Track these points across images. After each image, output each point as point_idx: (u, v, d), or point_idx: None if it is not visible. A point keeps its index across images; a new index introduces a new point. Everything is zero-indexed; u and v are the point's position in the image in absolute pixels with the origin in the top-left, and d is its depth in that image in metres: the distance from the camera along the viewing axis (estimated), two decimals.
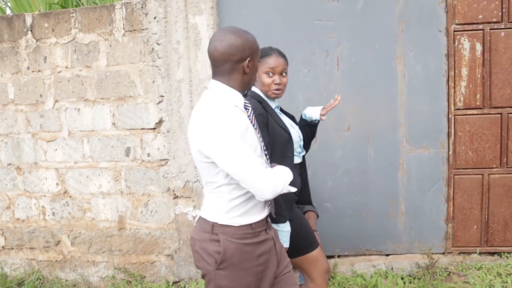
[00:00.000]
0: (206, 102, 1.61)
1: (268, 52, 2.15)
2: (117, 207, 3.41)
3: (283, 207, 1.92)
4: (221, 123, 1.51)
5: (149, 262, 3.43)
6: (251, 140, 1.59)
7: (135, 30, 3.25)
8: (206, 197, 1.70)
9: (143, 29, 3.23)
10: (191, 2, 3.14)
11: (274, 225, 1.89)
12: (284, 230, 1.95)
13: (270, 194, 1.52)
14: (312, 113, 2.37)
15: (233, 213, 1.62)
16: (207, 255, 1.62)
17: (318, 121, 2.37)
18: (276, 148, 2.01)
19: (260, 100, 2.09)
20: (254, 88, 2.14)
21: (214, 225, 1.62)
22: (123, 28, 3.26)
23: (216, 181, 1.61)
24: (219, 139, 1.50)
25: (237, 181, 1.54)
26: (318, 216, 2.87)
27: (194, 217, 3.29)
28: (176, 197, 3.30)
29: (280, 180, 1.54)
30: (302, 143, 2.29)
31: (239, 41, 1.59)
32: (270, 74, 2.11)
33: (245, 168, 1.49)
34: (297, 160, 2.24)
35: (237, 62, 1.60)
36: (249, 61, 1.62)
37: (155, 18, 3.18)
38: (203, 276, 1.68)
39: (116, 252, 3.44)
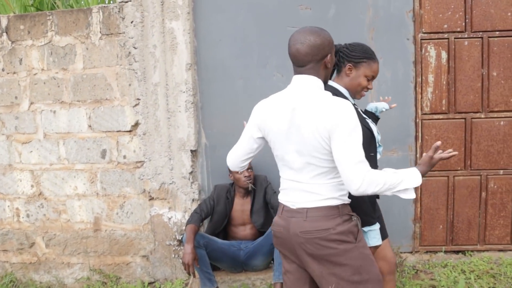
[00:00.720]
0: (316, 94, 1.66)
1: (373, 57, 2.09)
2: (93, 208, 3.43)
3: (370, 209, 1.94)
4: (351, 111, 1.59)
5: (124, 263, 3.45)
6: None
7: (112, 33, 3.29)
8: (321, 188, 1.69)
9: (120, 33, 3.28)
10: (168, 7, 3.21)
11: (363, 229, 1.91)
12: (375, 229, 1.97)
13: (357, 191, 1.57)
14: (378, 105, 2.51)
15: (347, 191, 1.72)
16: (346, 235, 1.67)
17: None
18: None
19: (345, 97, 2.05)
20: (333, 84, 2.06)
21: (340, 207, 1.70)
22: (100, 32, 3.29)
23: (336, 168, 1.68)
24: (348, 125, 1.57)
25: (338, 165, 1.60)
26: None
27: (169, 218, 3.33)
28: (151, 198, 3.34)
29: (379, 182, 1.58)
30: (379, 138, 2.21)
31: (319, 40, 1.67)
32: (369, 79, 2.07)
33: (355, 158, 1.56)
34: (377, 156, 2.20)
35: (319, 60, 1.70)
36: (329, 56, 1.72)
37: (132, 22, 3.23)
38: (343, 264, 1.67)
39: (91, 253, 3.46)
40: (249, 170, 3.10)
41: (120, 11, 3.25)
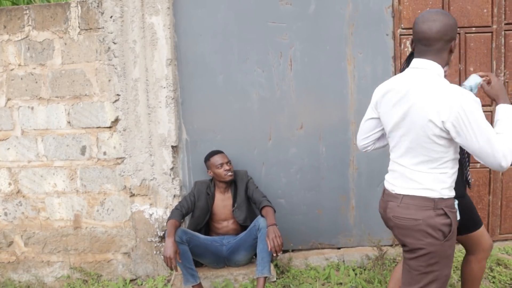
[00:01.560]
0: (433, 80, 1.65)
1: None
2: (73, 206, 3.38)
3: (460, 184, 2.01)
4: (473, 101, 1.58)
5: (105, 260, 3.42)
6: None
7: (91, 28, 3.25)
8: (421, 176, 1.70)
9: (99, 28, 3.24)
10: (148, 2, 3.18)
11: None
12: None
13: (506, 163, 1.59)
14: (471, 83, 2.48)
15: (452, 186, 1.73)
16: (435, 230, 1.67)
17: None
18: None
19: None
20: None
21: (437, 200, 1.68)
22: (79, 27, 3.25)
23: (445, 156, 1.67)
24: (473, 116, 1.56)
25: (475, 154, 1.60)
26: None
27: (150, 215, 3.31)
28: (132, 195, 3.32)
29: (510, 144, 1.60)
30: None
31: (452, 21, 1.68)
32: None
33: (489, 142, 1.56)
34: None
35: (448, 42, 1.68)
36: (455, 41, 1.72)
37: (111, 17, 3.20)
38: (421, 255, 1.71)
39: (71, 251, 3.42)
40: (228, 163, 3.11)
41: (99, 5, 3.21)
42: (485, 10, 3.24)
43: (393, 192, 1.78)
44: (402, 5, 3.25)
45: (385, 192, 1.85)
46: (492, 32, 3.26)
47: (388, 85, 1.80)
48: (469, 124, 1.56)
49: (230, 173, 3.10)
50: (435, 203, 1.68)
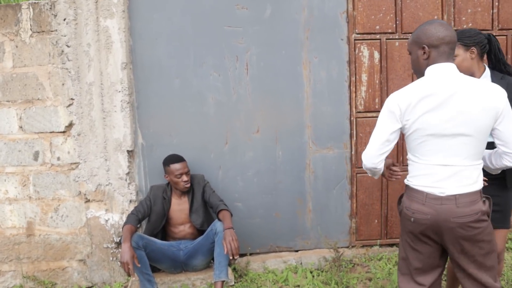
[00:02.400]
0: (469, 81, 1.79)
1: None
2: (25, 213, 3.30)
3: None
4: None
5: (60, 268, 3.35)
6: None
7: (43, 31, 3.18)
8: (472, 171, 1.81)
9: (52, 31, 3.18)
10: (102, 5, 3.14)
11: None
12: None
13: None
14: None
15: None
16: (485, 215, 1.82)
17: None
18: None
19: None
20: None
21: (480, 191, 1.83)
22: (31, 29, 3.18)
23: (483, 149, 1.84)
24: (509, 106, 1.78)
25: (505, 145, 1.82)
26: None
27: (106, 221, 3.26)
28: (87, 201, 3.26)
29: None
30: None
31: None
32: None
33: None
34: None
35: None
36: None
37: (64, 20, 3.14)
38: (482, 240, 1.82)
39: (24, 260, 3.33)
40: (187, 173, 3.09)
41: (52, 8, 3.15)
42: (435, 17, 3.34)
43: (443, 195, 1.79)
44: (357, 11, 3.31)
45: (427, 197, 1.81)
46: None
47: (424, 91, 1.79)
48: (508, 112, 1.79)
49: (188, 184, 3.09)
50: (480, 194, 1.83)
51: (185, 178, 3.06)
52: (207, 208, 3.20)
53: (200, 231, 3.16)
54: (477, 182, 1.81)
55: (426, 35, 1.82)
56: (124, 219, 3.24)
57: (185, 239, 3.17)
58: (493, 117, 1.76)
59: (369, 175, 2.03)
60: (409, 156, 1.91)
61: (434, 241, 1.87)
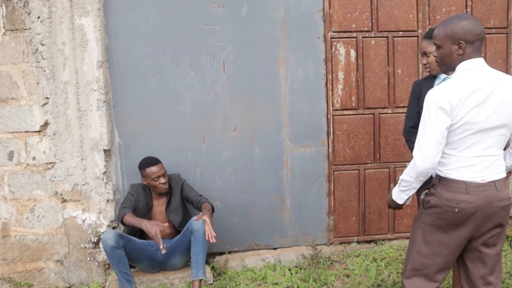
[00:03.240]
0: (503, 75, 1.85)
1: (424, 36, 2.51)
2: (0, 213, 3.26)
3: None
4: None
5: (37, 269, 3.31)
6: None
7: (17, 29, 3.14)
8: (501, 160, 1.91)
9: (26, 29, 3.14)
10: (77, 3, 3.11)
11: None
12: None
13: None
14: None
15: None
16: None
17: None
18: None
19: None
20: None
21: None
22: (4, 27, 3.14)
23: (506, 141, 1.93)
24: None
25: None
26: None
27: (83, 220, 3.24)
28: (64, 200, 3.23)
29: None
30: None
31: None
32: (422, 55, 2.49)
33: None
34: None
35: None
36: None
37: (38, 17, 3.11)
38: (506, 223, 1.94)
39: (0, 261, 3.29)
40: (164, 175, 3.08)
41: (26, 5, 3.11)
42: (411, 16, 3.38)
43: (484, 182, 1.85)
44: (333, 9, 3.33)
45: (469, 185, 1.84)
46: (418, 36, 3.39)
47: (472, 85, 1.80)
48: None
49: (166, 186, 3.08)
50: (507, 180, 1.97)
51: (162, 180, 3.05)
52: (186, 207, 3.19)
53: (179, 231, 3.16)
54: (504, 170, 1.93)
55: (464, 30, 1.81)
56: (101, 219, 3.24)
57: (164, 238, 3.16)
58: None
59: (421, 179, 1.90)
60: (444, 149, 1.88)
61: (468, 231, 1.89)
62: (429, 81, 2.50)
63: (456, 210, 1.85)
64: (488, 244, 1.92)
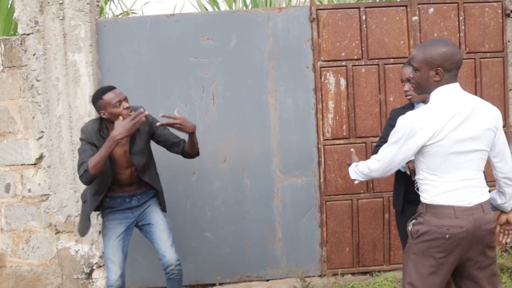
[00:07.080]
0: (477, 99, 1.89)
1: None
2: None
3: None
4: None
5: None
6: None
7: (14, 66, 3.27)
8: (482, 181, 1.90)
9: (22, 66, 3.26)
10: (70, 40, 3.22)
11: None
12: None
13: None
14: None
15: None
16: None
17: None
18: None
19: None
20: None
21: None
22: (2, 64, 3.27)
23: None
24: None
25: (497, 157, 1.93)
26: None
27: (76, 251, 3.28)
28: (58, 232, 3.29)
29: None
30: None
31: None
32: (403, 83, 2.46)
33: None
34: None
35: None
36: None
37: (34, 54, 3.22)
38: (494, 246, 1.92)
39: None
40: (126, 99, 2.57)
41: (22, 43, 3.23)
42: (401, 42, 3.34)
43: (471, 205, 1.84)
44: (321, 38, 3.33)
45: (457, 209, 1.83)
46: None
47: (450, 111, 1.81)
48: (501, 127, 1.91)
49: (131, 112, 2.50)
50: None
51: (126, 104, 2.53)
52: (151, 152, 2.77)
53: (142, 183, 2.73)
54: (487, 191, 1.91)
55: (443, 58, 1.81)
56: (94, 250, 3.29)
57: (135, 196, 2.72)
58: (496, 129, 1.88)
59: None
60: (426, 175, 1.88)
61: (457, 255, 1.86)
62: (407, 109, 2.45)
63: (447, 236, 1.83)
64: (481, 267, 1.90)
